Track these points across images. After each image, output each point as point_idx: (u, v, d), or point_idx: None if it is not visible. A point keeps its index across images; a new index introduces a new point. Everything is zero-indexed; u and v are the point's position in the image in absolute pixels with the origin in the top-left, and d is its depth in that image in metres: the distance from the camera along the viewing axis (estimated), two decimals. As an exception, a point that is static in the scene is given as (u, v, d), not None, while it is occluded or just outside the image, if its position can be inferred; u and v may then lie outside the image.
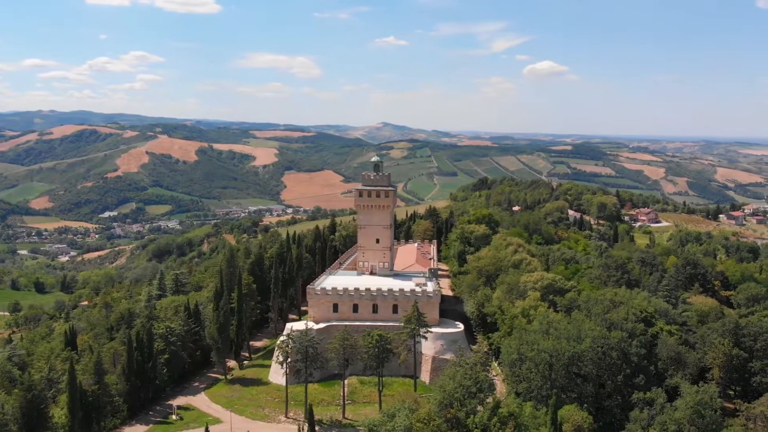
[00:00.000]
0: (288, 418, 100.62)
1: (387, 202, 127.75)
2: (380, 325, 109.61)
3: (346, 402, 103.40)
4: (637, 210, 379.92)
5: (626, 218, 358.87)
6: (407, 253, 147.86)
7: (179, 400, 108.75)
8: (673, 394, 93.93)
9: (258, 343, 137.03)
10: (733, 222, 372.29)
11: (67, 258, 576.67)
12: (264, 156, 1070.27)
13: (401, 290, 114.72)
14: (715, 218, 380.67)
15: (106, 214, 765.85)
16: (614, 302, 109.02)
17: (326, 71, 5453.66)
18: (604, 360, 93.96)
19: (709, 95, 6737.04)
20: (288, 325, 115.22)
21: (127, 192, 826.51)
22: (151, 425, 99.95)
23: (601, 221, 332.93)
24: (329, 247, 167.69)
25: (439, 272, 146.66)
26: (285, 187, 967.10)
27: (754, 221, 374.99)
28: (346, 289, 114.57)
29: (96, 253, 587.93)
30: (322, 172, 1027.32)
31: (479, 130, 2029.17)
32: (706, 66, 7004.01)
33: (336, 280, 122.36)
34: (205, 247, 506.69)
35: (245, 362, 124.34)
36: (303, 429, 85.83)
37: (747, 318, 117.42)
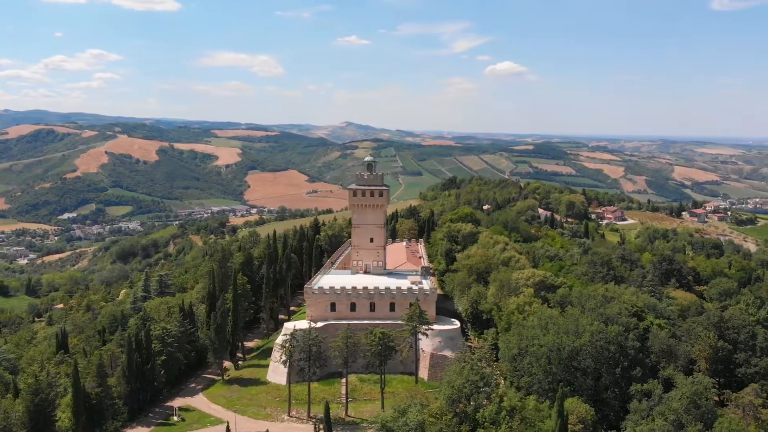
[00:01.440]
0: (291, 417, 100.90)
1: (381, 201, 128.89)
2: (378, 323, 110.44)
3: (347, 400, 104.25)
4: (604, 208, 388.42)
5: (593, 216, 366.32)
6: (397, 252, 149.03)
7: (177, 402, 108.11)
8: (666, 385, 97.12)
9: (249, 344, 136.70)
10: (696, 219, 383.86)
11: (26, 261, 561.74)
12: (227, 156, 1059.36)
13: (398, 288, 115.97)
14: (678, 215, 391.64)
15: (65, 215, 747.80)
16: (606, 297, 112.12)
17: (289, 70, 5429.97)
18: (602, 354, 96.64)
19: (665, 95, 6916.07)
20: (287, 325, 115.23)
21: (86, 193, 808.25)
22: (152, 427, 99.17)
23: (569, 219, 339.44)
24: (315, 246, 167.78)
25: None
26: (249, 187, 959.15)
27: (716, 218, 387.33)
28: (343, 288, 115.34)
29: (56, 256, 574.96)
30: (286, 171, 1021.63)
31: (442, 129, 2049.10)
32: (662, 67, 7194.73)
33: (331, 280, 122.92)
34: (171, 249, 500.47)
35: (240, 363, 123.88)
36: (320, 428, 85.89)
37: (730, 311, 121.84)
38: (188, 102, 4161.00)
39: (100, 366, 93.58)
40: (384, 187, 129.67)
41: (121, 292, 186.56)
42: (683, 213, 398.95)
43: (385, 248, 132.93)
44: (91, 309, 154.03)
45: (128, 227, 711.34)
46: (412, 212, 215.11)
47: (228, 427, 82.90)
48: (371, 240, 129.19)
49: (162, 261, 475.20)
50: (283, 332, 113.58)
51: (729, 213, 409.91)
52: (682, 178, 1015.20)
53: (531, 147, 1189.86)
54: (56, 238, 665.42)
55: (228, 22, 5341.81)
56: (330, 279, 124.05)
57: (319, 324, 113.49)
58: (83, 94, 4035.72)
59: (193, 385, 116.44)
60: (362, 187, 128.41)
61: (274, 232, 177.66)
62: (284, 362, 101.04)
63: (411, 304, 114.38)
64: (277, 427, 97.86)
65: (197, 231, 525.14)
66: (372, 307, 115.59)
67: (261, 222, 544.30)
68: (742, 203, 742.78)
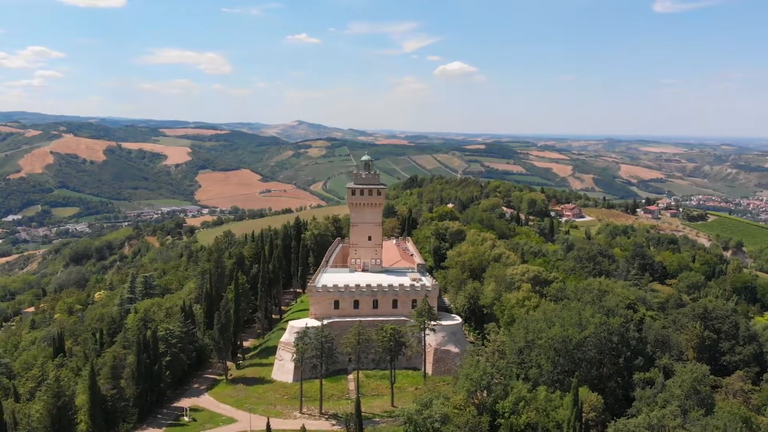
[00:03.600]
0: (303, 413, 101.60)
1: (379, 200, 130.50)
2: (381, 320, 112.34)
3: (354, 396, 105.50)
4: (562, 206, 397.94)
5: (553, 214, 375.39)
6: (389, 251, 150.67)
7: (183, 402, 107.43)
8: (663, 374, 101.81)
9: (245, 343, 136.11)
10: (650, 216, 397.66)
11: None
12: (176, 155, 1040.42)
13: (401, 286, 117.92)
14: (633, 212, 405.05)
15: (10, 217, 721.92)
16: (601, 291, 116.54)
17: (237, 68, 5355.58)
18: (605, 345, 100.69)
19: (610, 95, 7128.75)
20: (292, 323, 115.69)
21: (31, 194, 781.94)
22: (164, 428, 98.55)
23: (531, 217, 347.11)
24: (302, 246, 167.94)
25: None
26: (200, 186, 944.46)
27: (668, 215, 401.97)
28: (347, 286, 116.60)
29: (2, 259, 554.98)
30: (238, 171, 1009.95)
31: (394, 129, 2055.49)
32: (606, 67, 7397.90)
33: (332, 278, 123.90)
34: (126, 250, 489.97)
35: (240, 362, 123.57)
36: (351, 427, 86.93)
37: (712, 303, 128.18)
38: (134, 100, 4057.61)
39: (114, 368, 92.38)
40: (381, 186, 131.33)
41: (96, 294, 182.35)
42: (638, 210, 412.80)
43: (382, 246, 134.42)
44: (73, 312, 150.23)
45: (76, 229, 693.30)
46: (390, 211, 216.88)
47: (268, 424, 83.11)
48: (369, 238, 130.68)
49: (118, 263, 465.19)
50: (288, 331, 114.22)
51: (681, 210, 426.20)
52: (628, 176, 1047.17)
53: (482, 146, 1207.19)
54: (0, 240, 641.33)
55: (174, 18, 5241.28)
56: (330, 277, 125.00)
57: (323, 322, 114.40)
58: (24, 92, 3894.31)
59: (196, 385, 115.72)
60: (360, 186, 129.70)
61: (261, 231, 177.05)
62: (298, 360, 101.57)
63: (414, 301, 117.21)
64: (290, 425, 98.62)
65: (153, 232, 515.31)
66: (375, 304, 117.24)
67: (219, 222, 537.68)
68: (686, 200, 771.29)
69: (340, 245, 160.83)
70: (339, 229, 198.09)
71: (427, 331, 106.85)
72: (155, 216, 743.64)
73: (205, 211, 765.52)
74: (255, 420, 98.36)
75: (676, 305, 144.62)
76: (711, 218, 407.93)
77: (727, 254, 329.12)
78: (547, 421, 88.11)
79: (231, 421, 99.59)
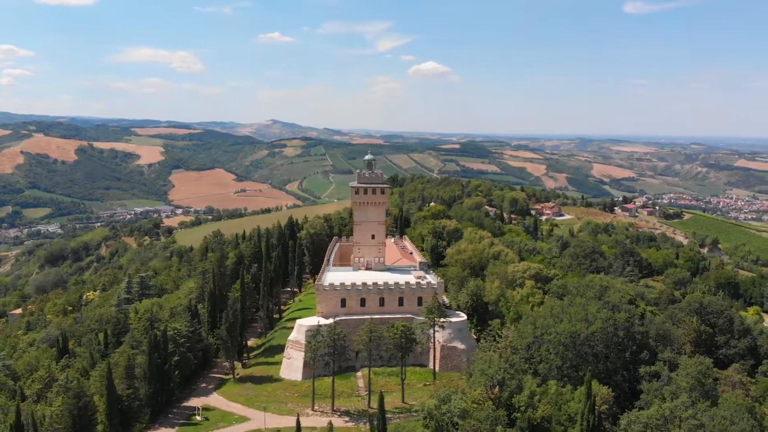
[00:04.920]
0: (315, 411, 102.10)
1: (383, 198, 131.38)
2: (387, 318, 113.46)
3: (364, 393, 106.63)
4: (542, 204, 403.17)
5: (533, 212, 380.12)
6: (389, 249, 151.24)
7: (193, 402, 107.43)
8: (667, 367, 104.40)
9: (248, 343, 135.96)
10: (627, 214, 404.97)
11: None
12: (149, 154, 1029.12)
13: (407, 283, 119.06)
14: (611, 211, 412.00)
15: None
16: (602, 287, 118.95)
17: (209, 66, 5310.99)
18: (612, 339, 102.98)
19: (582, 95, 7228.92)
20: (299, 322, 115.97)
21: (1, 195, 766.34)
22: (177, 428, 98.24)
23: (513, 215, 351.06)
24: (298, 245, 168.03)
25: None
26: (173, 186, 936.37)
27: (645, 213, 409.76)
28: (354, 284, 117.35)
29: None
30: (212, 170, 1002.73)
31: (369, 128, 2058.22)
32: (578, 68, 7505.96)
33: (337, 276, 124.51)
34: (103, 251, 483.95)
35: (245, 361, 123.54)
36: (374, 423, 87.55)
37: (708, 298, 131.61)
38: (105, 99, 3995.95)
39: (129, 368, 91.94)
40: (385, 185, 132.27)
41: (87, 295, 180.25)
42: (615, 208, 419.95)
43: (384, 245, 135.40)
44: (67, 313, 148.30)
45: (48, 230, 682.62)
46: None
47: (298, 422, 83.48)
48: (373, 237, 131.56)
49: (95, 264, 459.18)
50: (297, 329, 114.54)
51: (657, 208, 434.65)
52: (600, 175, 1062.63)
53: (458, 146, 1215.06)
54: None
55: (145, 17, 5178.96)
56: (335, 276, 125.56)
57: (331, 320, 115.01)
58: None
59: (203, 384, 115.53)
60: (364, 185, 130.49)
61: (258, 231, 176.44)
62: (310, 358, 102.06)
63: (420, 298, 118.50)
64: (304, 422, 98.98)
65: (130, 233, 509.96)
66: (381, 302, 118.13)
67: (197, 222, 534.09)
68: (658, 198, 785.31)
69: (338, 244, 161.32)
70: (331, 228, 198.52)
71: (436, 328, 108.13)
72: (128, 216, 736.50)
73: (179, 211, 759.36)
74: (269, 418, 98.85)
75: (669, 301, 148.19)
76: (686, 216, 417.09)
77: (704, 251, 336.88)
78: (560, 414, 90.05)
79: (243, 419, 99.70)
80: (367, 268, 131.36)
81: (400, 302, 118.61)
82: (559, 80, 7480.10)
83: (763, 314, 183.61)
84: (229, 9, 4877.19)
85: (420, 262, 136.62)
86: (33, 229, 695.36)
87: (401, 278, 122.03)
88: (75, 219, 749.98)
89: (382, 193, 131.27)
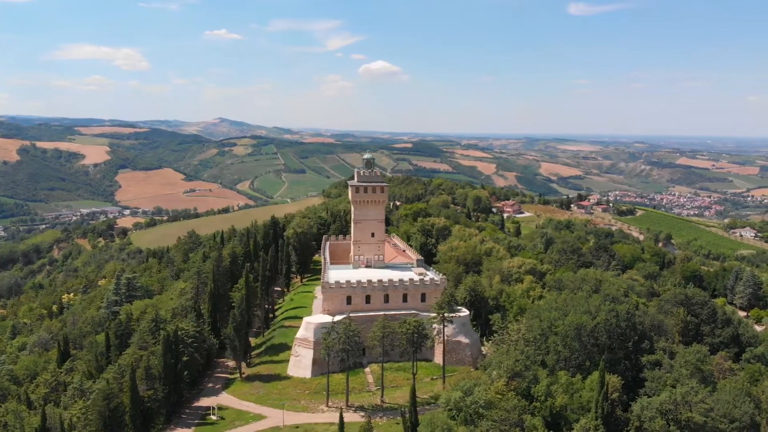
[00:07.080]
0: (329, 407, 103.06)
1: (382, 197, 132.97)
2: (392, 314, 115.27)
3: (374, 388, 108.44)
4: (503, 202, 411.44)
5: (494, 210, 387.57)
6: (384, 247, 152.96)
7: (203, 402, 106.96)
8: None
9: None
10: (583, 211, 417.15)
11: None
12: (94, 154, 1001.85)
13: (411, 280, 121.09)
14: (568, 208, 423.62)
15: None
16: (598, 281, 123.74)
17: (154, 64, 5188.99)
18: (615, 330, 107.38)
19: (527, 95, 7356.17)
20: (306, 320, 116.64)
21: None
22: (193, 428, 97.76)
23: (476, 213, 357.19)
24: (285, 244, 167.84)
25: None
26: (120, 186, 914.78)
27: (600, 210, 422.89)
28: (359, 282, 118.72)
29: None
30: (160, 170, 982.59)
31: (320, 127, 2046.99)
32: (524, 68, 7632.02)
33: (339, 274, 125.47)
34: (56, 253, 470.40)
35: (250, 360, 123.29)
36: (406, 415, 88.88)
37: (691, 290, 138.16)
38: (46, 97, 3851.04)
39: (148, 369, 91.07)
40: (384, 184, 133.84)
41: (62, 296, 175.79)
42: (571, 206, 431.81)
43: (383, 243, 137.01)
44: (52, 316, 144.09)
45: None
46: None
47: (341, 417, 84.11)
48: (372, 235, 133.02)
49: (47, 267, 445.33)
50: (304, 327, 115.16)
51: (611, 205, 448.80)
52: (548, 173, 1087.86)
53: (409, 145, 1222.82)
54: None
55: (87, 13, 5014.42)
56: (337, 274, 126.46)
57: (336, 317, 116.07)
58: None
59: (210, 384, 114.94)
60: (363, 184, 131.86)
61: (247, 230, 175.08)
62: (324, 354, 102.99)
63: (423, 294, 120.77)
64: (319, 418, 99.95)
65: (83, 234, 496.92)
66: (386, 299, 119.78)
67: (152, 224, 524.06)
68: (605, 195, 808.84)
69: (328, 243, 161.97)
70: (310, 227, 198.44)
71: (445, 323, 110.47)
72: (74, 218, 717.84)
73: (127, 212, 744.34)
74: (286, 416, 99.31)
75: (650, 294, 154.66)
76: (639, 213, 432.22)
77: (659, 246, 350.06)
78: (572, 402, 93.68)
79: (259, 417, 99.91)
80: (367, 266, 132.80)
81: (404, 299, 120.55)
82: (506, 80, 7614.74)
83: (729, 306, 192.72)
84: (176, 6, 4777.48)
85: (417, 260, 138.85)
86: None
87: (404, 275, 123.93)
88: (18, 221, 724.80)
89: (382, 191, 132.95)
